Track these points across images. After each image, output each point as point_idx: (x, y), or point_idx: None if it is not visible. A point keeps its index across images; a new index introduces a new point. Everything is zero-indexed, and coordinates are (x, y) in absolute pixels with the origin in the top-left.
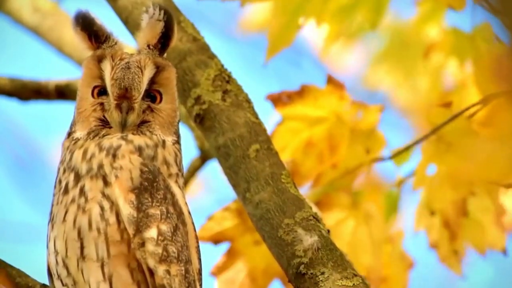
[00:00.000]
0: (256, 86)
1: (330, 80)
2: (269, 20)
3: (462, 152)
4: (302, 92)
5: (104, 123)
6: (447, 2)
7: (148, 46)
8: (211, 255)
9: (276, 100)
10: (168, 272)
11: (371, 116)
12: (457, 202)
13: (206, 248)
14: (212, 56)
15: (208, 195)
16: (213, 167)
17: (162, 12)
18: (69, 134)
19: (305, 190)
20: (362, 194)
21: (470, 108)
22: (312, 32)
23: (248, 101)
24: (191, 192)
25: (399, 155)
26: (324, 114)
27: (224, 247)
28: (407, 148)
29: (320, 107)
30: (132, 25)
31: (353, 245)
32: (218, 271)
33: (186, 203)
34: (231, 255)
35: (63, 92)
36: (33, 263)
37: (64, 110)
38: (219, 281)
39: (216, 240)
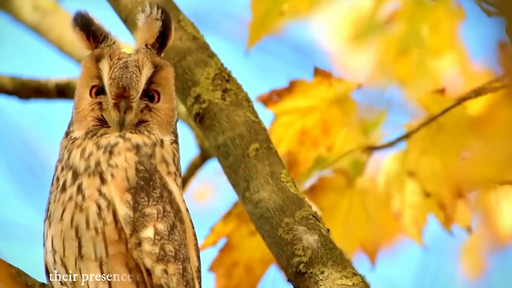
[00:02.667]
0: (264, 89)
1: (317, 72)
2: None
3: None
4: (291, 88)
5: (102, 122)
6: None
7: (146, 45)
8: (208, 250)
9: (267, 100)
10: (165, 271)
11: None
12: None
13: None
14: (212, 55)
15: (219, 199)
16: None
17: (160, 11)
18: (67, 134)
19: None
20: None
21: (463, 101)
22: (320, 34)
23: (248, 100)
24: (202, 196)
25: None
26: (314, 103)
27: (221, 242)
28: (400, 138)
29: (310, 98)
30: (131, 24)
31: (348, 222)
32: (215, 266)
33: (184, 201)
34: (228, 249)
35: (63, 91)
36: (33, 263)
37: (64, 109)
38: (217, 275)
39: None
